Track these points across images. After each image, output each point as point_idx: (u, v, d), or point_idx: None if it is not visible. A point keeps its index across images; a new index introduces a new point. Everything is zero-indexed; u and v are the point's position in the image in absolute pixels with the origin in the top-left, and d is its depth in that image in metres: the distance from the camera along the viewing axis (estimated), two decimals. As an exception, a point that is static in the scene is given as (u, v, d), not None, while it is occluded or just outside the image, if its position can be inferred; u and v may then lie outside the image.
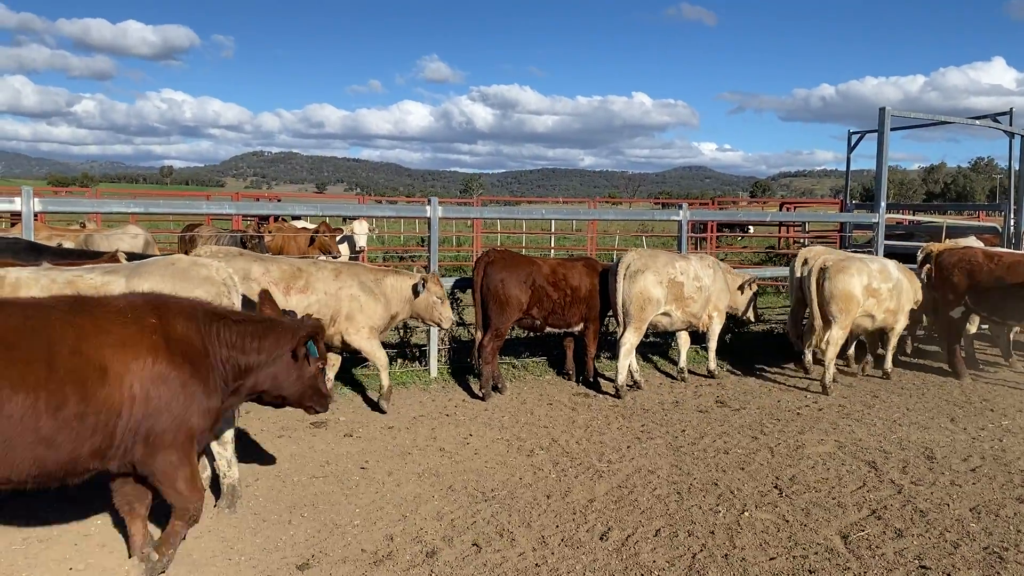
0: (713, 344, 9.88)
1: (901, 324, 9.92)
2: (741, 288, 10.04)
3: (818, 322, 9.41)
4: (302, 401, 4.83)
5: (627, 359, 8.95)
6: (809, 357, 10.23)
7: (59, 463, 3.88)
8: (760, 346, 11.47)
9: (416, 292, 8.06)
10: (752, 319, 10.50)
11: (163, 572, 4.48)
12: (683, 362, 9.83)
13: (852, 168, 16.96)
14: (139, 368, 4.02)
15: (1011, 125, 14.24)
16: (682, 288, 9.18)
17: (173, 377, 4.13)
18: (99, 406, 3.89)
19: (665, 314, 9.19)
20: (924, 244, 10.91)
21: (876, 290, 9.42)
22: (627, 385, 8.98)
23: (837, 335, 9.26)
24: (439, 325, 8.51)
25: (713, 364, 9.94)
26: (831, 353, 9.25)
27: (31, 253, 6.97)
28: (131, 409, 4.00)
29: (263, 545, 4.96)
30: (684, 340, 9.86)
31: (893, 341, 10.01)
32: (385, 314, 7.96)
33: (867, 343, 10.47)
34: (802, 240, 21.29)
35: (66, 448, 3.84)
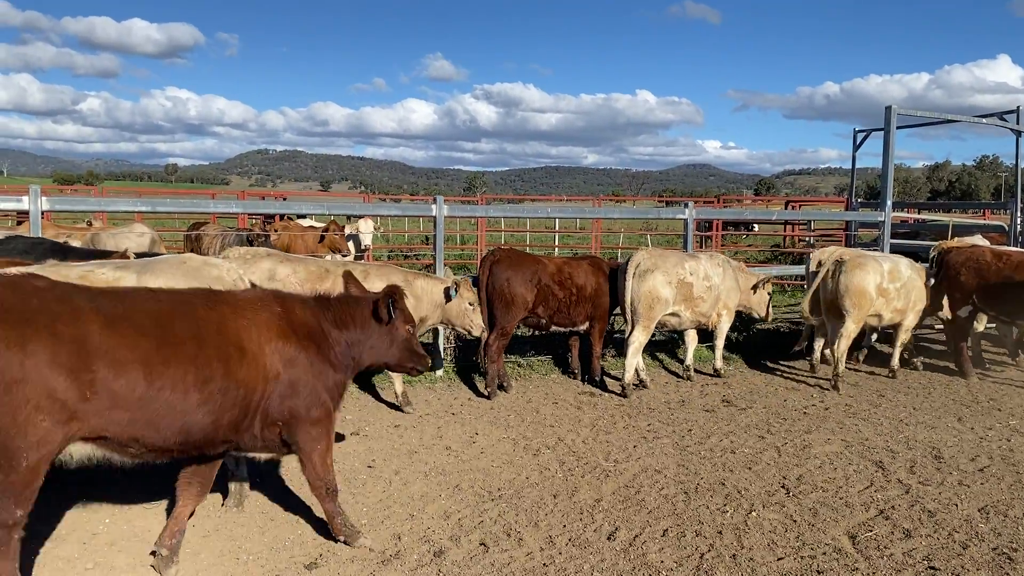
0: (720, 343, 9.87)
1: (910, 321, 9.92)
2: (755, 288, 10.04)
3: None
4: (402, 363, 5.23)
5: (635, 358, 8.94)
6: (818, 355, 10.23)
7: (202, 433, 4.21)
8: (766, 345, 11.44)
9: (448, 296, 7.98)
10: (767, 318, 10.47)
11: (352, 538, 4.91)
12: (690, 360, 9.85)
13: (858, 166, 16.92)
14: (272, 350, 4.42)
15: (1018, 124, 14.19)
16: (691, 288, 9.18)
17: (301, 357, 4.53)
18: (238, 382, 4.26)
19: (674, 314, 9.19)
20: (936, 243, 10.88)
21: (886, 289, 9.46)
22: (633, 384, 8.98)
23: (851, 328, 9.31)
24: (469, 332, 8.31)
25: (720, 363, 9.93)
26: (843, 347, 9.31)
27: (56, 253, 7.02)
28: (264, 387, 4.38)
29: (271, 544, 4.96)
30: (692, 338, 9.86)
31: (902, 338, 10.02)
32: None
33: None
34: (808, 239, 21.25)
35: (209, 419, 4.19)
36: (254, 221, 17.08)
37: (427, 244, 24.12)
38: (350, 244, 14.92)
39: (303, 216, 18.52)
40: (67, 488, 5.31)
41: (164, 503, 5.38)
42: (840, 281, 9.36)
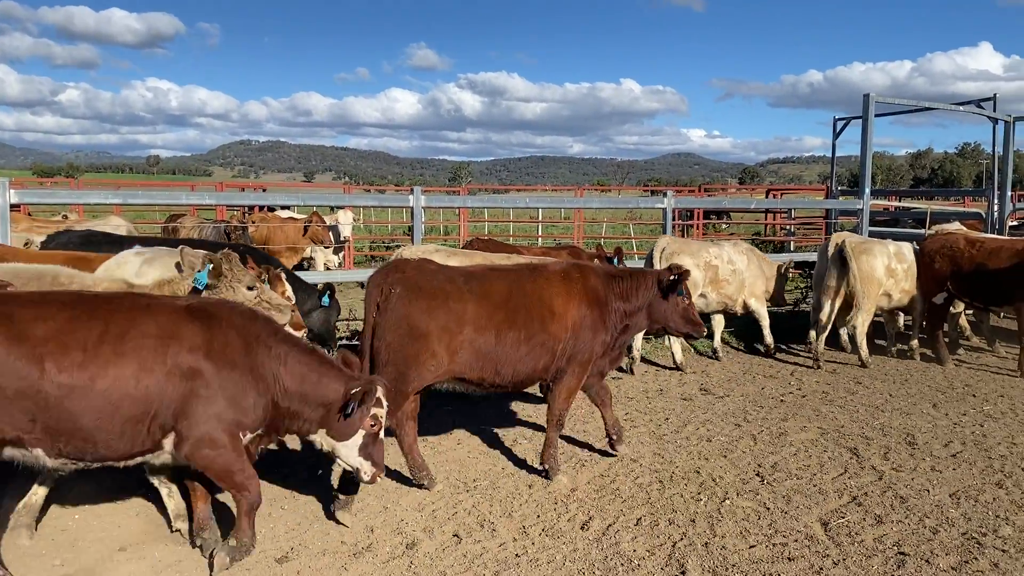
0: (765, 323, 10.28)
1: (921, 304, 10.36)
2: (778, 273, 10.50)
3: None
4: (679, 329, 6.32)
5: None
6: (845, 337, 10.68)
7: (526, 374, 5.75)
8: (745, 333, 11.48)
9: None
10: (785, 302, 11.06)
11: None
12: (717, 343, 10.38)
13: (840, 154, 17.02)
14: (572, 311, 5.77)
15: (995, 111, 14.27)
16: (717, 271, 9.67)
17: (589, 318, 5.82)
18: (550, 337, 5.69)
19: (701, 295, 9.57)
20: (921, 231, 11.05)
21: (894, 270, 10.00)
22: (628, 368, 9.45)
23: (868, 308, 9.86)
24: None
25: (769, 339, 10.45)
26: (862, 328, 9.87)
27: (113, 244, 7.54)
28: (565, 340, 5.74)
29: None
30: (718, 321, 10.38)
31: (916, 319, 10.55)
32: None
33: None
34: (788, 227, 21.33)
35: (530, 364, 5.70)
36: (233, 213, 16.95)
37: (408, 235, 24.03)
38: (329, 235, 14.82)
39: (286, 207, 18.39)
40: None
41: (133, 500, 5.35)
42: (851, 268, 9.77)
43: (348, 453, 4.61)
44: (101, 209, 21.99)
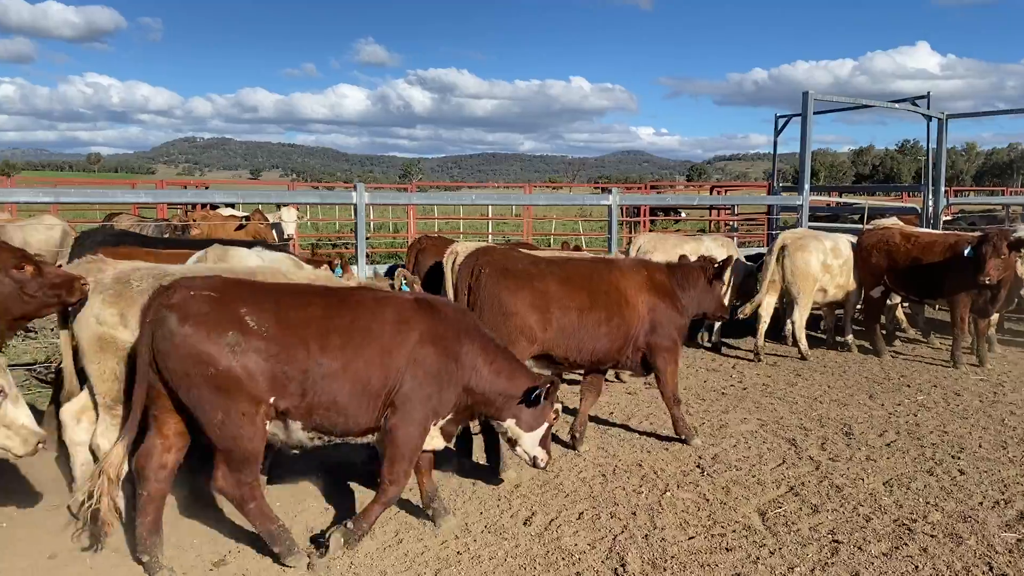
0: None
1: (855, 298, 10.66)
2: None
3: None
4: (715, 313, 7.18)
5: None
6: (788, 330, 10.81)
7: (603, 353, 6.34)
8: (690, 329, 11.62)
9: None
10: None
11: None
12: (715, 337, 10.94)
13: (783, 151, 17.28)
14: (642, 300, 6.43)
15: (929, 109, 14.66)
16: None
17: (661, 306, 6.50)
18: (624, 321, 6.32)
19: None
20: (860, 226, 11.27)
21: (829, 266, 10.26)
22: None
23: (804, 303, 10.19)
24: None
25: (716, 336, 10.94)
26: (800, 321, 10.23)
27: (145, 241, 7.96)
28: (637, 325, 6.39)
29: (177, 543, 4.81)
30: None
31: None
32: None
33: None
34: (732, 223, 21.66)
35: (607, 345, 6.32)
36: (175, 211, 16.60)
37: (354, 233, 23.81)
38: (274, 233, 14.62)
39: (229, 205, 18.08)
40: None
41: (63, 509, 5.21)
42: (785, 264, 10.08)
43: (531, 443, 5.09)
44: (36, 208, 21.36)
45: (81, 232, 8.35)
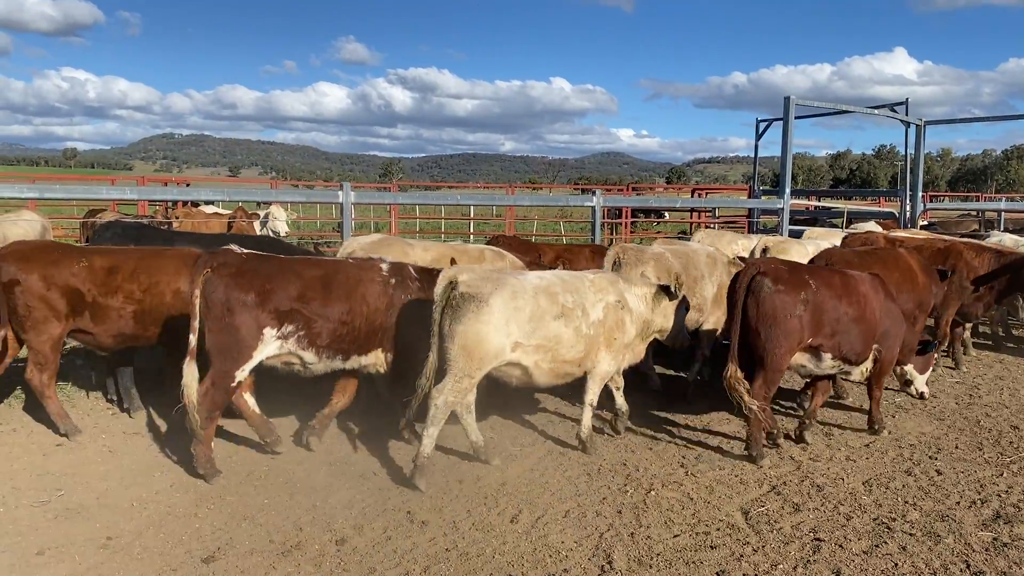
0: None
1: None
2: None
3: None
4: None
5: None
6: None
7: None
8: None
9: None
10: None
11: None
12: None
13: (763, 155, 17.51)
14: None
15: (907, 115, 14.88)
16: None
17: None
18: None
19: None
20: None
21: None
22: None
23: None
24: None
25: None
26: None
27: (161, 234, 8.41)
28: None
29: (167, 539, 4.83)
30: None
31: None
32: None
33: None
34: (713, 225, 21.85)
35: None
36: (156, 208, 16.51)
37: (337, 232, 23.73)
38: (266, 231, 14.55)
39: (210, 202, 17.98)
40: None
41: (52, 503, 5.20)
42: None
43: (921, 382, 7.61)
44: (14, 204, 21.11)
45: (101, 224, 8.55)
